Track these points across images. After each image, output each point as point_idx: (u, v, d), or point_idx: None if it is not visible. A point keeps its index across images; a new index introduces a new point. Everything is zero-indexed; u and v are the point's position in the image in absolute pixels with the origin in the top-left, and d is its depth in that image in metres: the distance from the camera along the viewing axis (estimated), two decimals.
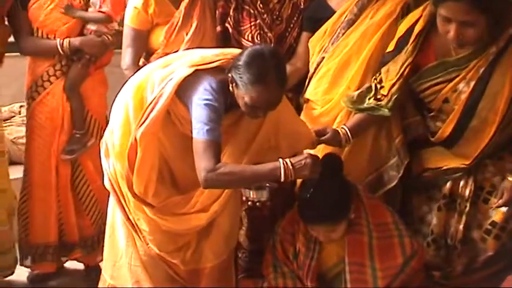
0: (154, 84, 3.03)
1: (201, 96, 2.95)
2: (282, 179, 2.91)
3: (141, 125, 2.98)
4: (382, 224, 3.19)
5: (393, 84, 3.32)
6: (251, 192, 3.09)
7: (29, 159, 4.17)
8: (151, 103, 2.99)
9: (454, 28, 3.06)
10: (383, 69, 3.37)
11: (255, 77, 2.88)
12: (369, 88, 3.40)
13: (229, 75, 2.96)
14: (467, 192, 3.32)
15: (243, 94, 2.92)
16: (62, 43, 3.96)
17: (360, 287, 3.13)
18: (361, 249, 3.15)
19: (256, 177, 2.97)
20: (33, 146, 4.14)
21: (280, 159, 2.93)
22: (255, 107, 2.94)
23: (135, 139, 2.99)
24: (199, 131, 2.91)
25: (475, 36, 3.08)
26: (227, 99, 3.01)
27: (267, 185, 3.09)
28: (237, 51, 3.10)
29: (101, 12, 4.00)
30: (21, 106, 5.33)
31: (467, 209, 3.32)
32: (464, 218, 3.34)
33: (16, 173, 4.38)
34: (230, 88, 2.98)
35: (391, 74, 3.33)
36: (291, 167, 2.91)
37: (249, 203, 3.15)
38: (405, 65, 3.30)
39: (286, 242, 3.28)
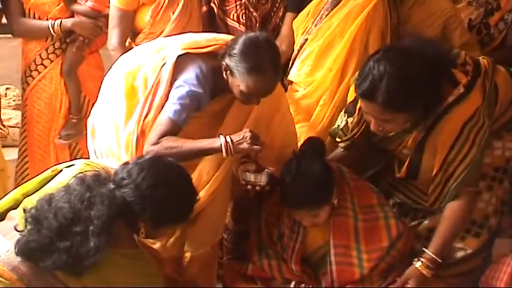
0: (148, 74, 2.88)
1: (188, 79, 2.81)
2: (224, 154, 2.74)
3: (146, 115, 2.85)
4: (368, 206, 3.00)
5: (346, 139, 3.13)
6: (250, 176, 2.90)
7: (30, 146, 3.95)
8: (150, 92, 2.85)
9: (373, 122, 2.80)
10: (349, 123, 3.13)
11: (251, 66, 2.75)
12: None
13: (224, 62, 2.80)
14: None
15: (239, 82, 2.78)
16: (54, 24, 3.73)
17: (345, 270, 2.95)
18: (347, 231, 2.96)
19: (194, 151, 2.79)
20: (34, 133, 3.92)
21: (221, 135, 2.75)
22: (251, 94, 2.79)
23: (142, 131, 2.83)
24: (167, 108, 2.79)
25: (395, 129, 2.84)
26: (217, 85, 2.86)
27: (266, 169, 2.90)
28: (229, 37, 2.96)
29: (89, 8, 3.77)
30: (7, 88, 5.07)
31: (425, 216, 3.14)
32: (416, 222, 3.16)
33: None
34: (224, 75, 2.82)
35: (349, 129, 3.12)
36: (230, 142, 2.72)
37: (248, 186, 2.93)
38: (354, 132, 3.08)
39: (271, 225, 3.09)
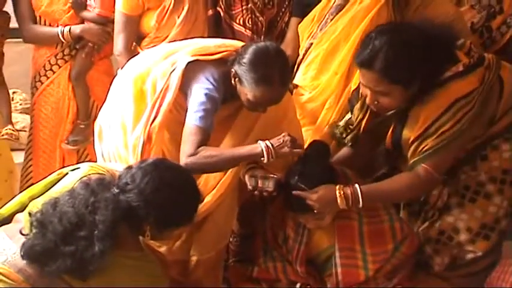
0: (157, 79, 2.88)
1: (202, 85, 2.80)
2: (265, 160, 2.73)
3: (153, 120, 2.84)
4: (373, 208, 2.96)
5: (352, 130, 3.11)
6: (258, 181, 2.89)
7: (35, 150, 3.97)
8: (158, 97, 2.85)
9: (369, 94, 2.79)
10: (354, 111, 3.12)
11: (260, 77, 2.74)
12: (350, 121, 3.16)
13: (233, 69, 2.80)
14: (439, 202, 3.10)
15: (247, 91, 2.78)
16: (63, 31, 3.75)
17: (350, 272, 2.94)
18: (352, 234, 2.94)
19: (235, 158, 2.80)
20: (40, 137, 3.95)
21: (260, 141, 2.75)
22: (257, 103, 2.80)
23: (149, 135, 2.84)
24: (191, 116, 2.76)
25: (391, 105, 2.80)
26: (227, 91, 2.85)
27: (273, 175, 2.90)
28: (239, 43, 2.96)
29: (97, 14, 3.78)
30: (14, 92, 5.07)
31: (436, 217, 3.12)
32: (427, 224, 3.14)
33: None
34: (232, 82, 2.81)
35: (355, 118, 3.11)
36: (271, 146, 2.72)
37: (255, 192, 2.92)
38: (358, 119, 3.07)
39: (276, 227, 3.07)
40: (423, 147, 2.80)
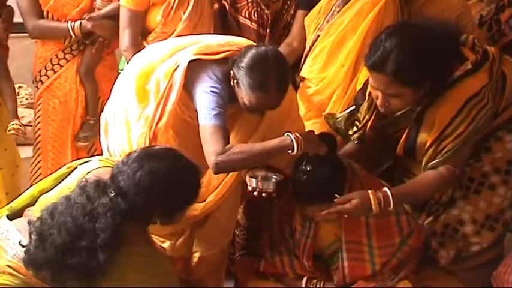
0: (160, 78, 2.88)
1: (206, 84, 2.80)
2: (295, 151, 2.74)
3: (158, 121, 2.85)
4: None
5: (358, 129, 3.12)
6: (258, 182, 2.88)
7: (43, 144, 3.97)
8: (162, 97, 2.85)
9: (380, 96, 2.80)
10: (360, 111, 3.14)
11: (256, 83, 2.74)
12: (352, 112, 3.18)
13: (232, 71, 2.80)
14: (443, 197, 3.13)
15: (243, 95, 2.79)
16: (73, 26, 3.74)
17: (357, 266, 2.96)
18: (358, 227, 2.97)
19: (266, 152, 2.78)
20: (48, 131, 3.95)
21: (288, 133, 2.76)
22: (253, 108, 2.80)
23: (154, 136, 2.85)
24: (206, 117, 2.75)
25: (401, 106, 2.84)
26: (230, 89, 2.85)
27: (274, 176, 2.90)
28: (243, 42, 2.96)
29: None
30: (19, 87, 5.09)
31: (441, 211, 3.15)
32: (431, 217, 3.16)
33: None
34: (231, 83, 2.82)
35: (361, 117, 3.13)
36: (301, 138, 2.74)
37: (255, 193, 2.91)
38: (365, 120, 3.09)
39: (283, 221, 3.10)
40: (441, 149, 2.84)
